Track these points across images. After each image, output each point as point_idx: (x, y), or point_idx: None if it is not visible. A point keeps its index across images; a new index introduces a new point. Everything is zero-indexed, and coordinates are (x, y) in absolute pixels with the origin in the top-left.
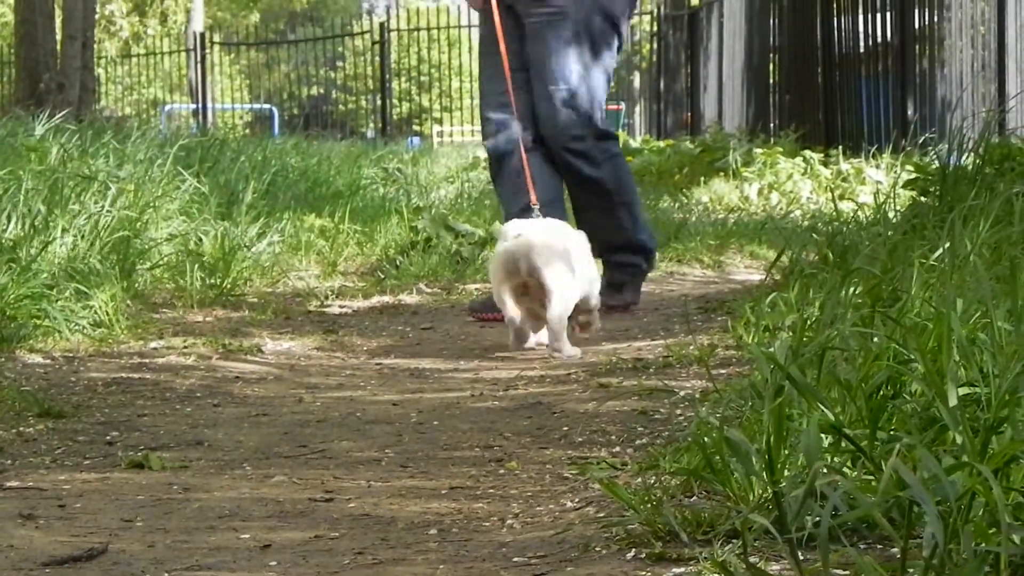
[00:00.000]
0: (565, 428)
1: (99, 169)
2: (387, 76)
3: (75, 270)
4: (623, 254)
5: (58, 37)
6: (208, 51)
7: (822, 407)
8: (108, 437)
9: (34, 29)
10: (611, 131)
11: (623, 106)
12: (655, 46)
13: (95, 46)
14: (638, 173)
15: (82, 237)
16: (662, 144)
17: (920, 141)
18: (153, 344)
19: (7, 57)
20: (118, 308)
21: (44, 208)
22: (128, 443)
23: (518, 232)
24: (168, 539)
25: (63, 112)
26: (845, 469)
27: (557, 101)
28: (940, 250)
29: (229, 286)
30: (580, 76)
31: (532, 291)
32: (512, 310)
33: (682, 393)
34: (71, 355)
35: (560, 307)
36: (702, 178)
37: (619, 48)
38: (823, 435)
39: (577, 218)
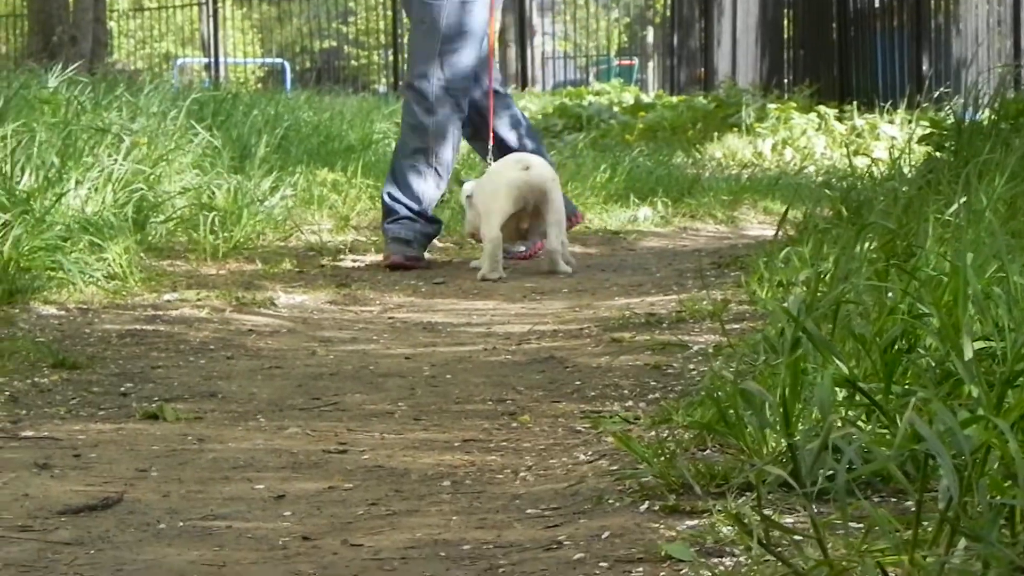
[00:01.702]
0: (578, 382)
1: (112, 122)
2: (399, 31)
3: (89, 222)
4: None
5: None
6: (220, 5)
7: (837, 361)
8: (122, 388)
9: None
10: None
11: (636, 61)
12: (668, 1)
13: None
14: (651, 128)
15: (96, 190)
16: (675, 100)
17: (935, 96)
18: (167, 296)
19: (20, 10)
20: (132, 260)
21: (58, 160)
22: (142, 394)
23: (527, 164)
24: (183, 489)
25: (76, 65)
26: (859, 423)
27: None
28: (955, 205)
29: (242, 240)
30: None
31: (523, 217)
32: (498, 233)
33: (695, 348)
34: (85, 307)
35: (563, 235)
36: (715, 134)
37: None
38: (838, 389)
39: None
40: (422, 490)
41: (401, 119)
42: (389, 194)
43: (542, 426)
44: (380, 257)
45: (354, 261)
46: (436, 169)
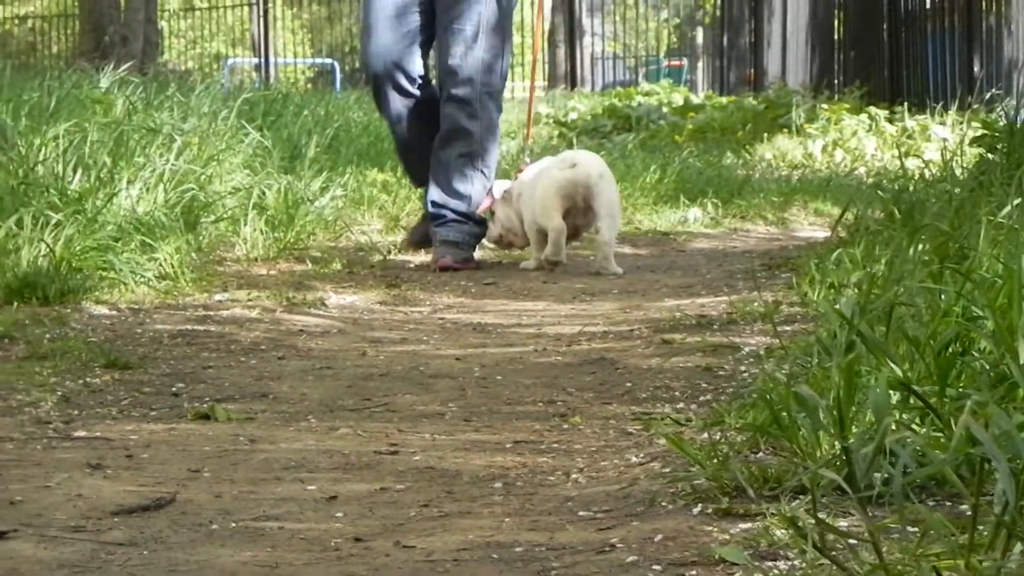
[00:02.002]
0: (628, 384)
1: (164, 122)
2: None
3: (140, 222)
4: None
5: None
6: (271, 5)
7: (891, 363)
8: (174, 388)
9: None
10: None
11: (685, 62)
12: (718, 2)
13: None
14: (700, 129)
15: (147, 190)
16: (725, 100)
17: (986, 98)
18: (218, 296)
19: (71, 10)
20: (183, 260)
21: (109, 160)
22: (194, 395)
23: (574, 162)
24: (235, 490)
25: (127, 65)
26: (914, 426)
27: None
28: (1008, 207)
29: (292, 240)
30: None
31: (577, 214)
32: (561, 222)
33: (747, 349)
34: (137, 307)
35: (615, 230)
36: (765, 134)
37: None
38: (892, 392)
39: None
40: (474, 492)
41: (443, 126)
42: (433, 202)
43: (593, 428)
44: (429, 258)
45: (404, 262)
46: (482, 171)
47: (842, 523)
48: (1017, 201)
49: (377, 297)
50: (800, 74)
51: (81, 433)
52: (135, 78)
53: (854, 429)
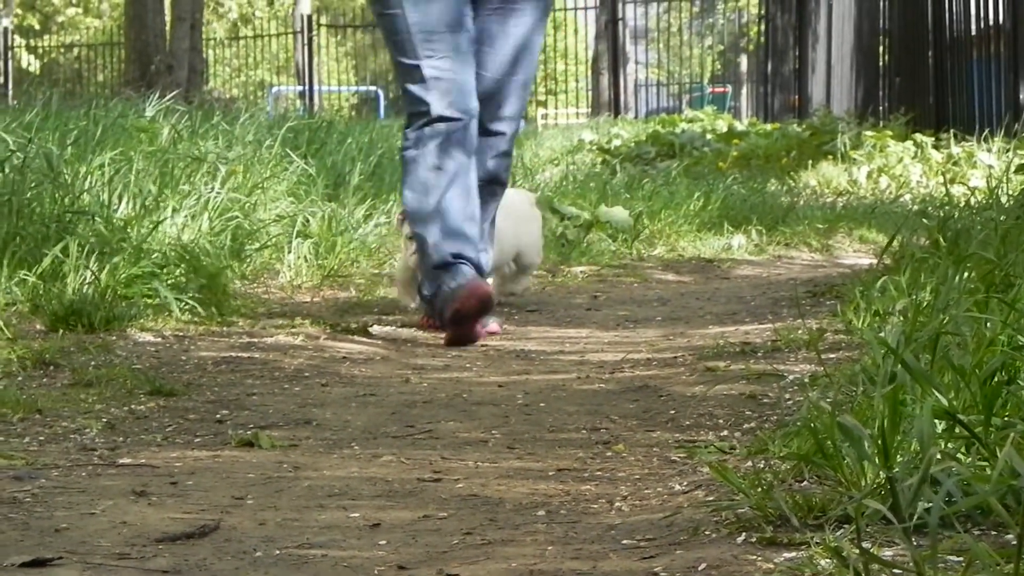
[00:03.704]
0: (672, 411)
1: (209, 151)
2: None
3: (185, 250)
4: None
5: (167, 19)
6: (315, 33)
7: (936, 393)
8: (218, 415)
9: (144, 10)
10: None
11: (729, 88)
12: (763, 28)
13: (203, 28)
14: (744, 156)
15: (192, 218)
16: (769, 127)
17: None
18: (261, 324)
19: (117, 38)
20: (227, 288)
21: (155, 188)
22: (238, 421)
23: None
24: (279, 517)
25: (172, 93)
26: (959, 455)
27: None
28: None
29: (336, 267)
30: None
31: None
32: None
33: (791, 377)
34: (181, 334)
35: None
36: (810, 161)
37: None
38: (937, 421)
39: None
40: (517, 519)
41: (489, 176)
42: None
43: (637, 455)
44: None
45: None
46: None
47: (887, 553)
48: None
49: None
50: (845, 101)
51: (126, 460)
52: (180, 106)
53: (899, 459)
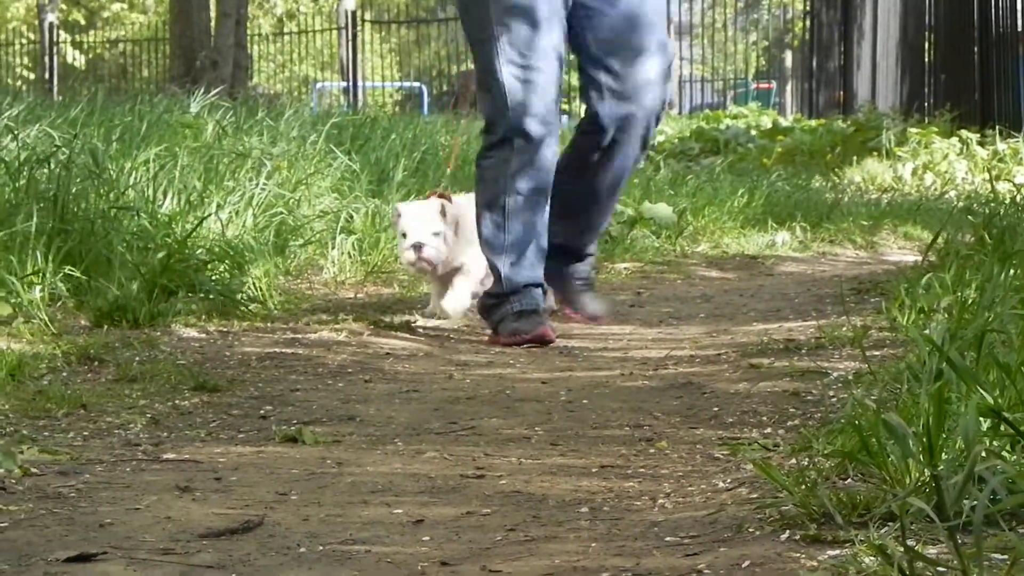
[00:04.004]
0: (715, 408)
1: (253, 146)
2: None
3: (230, 246)
4: None
5: (212, 14)
6: (359, 29)
7: (981, 390)
8: (262, 411)
9: (189, 6)
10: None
11: (774, 84)
12: (807, 24)
13: (248, 23)
14: (789, 152)
15: (236, 213)
16: (814, 123)
17: None
18: (305, 320)
19: (161, 34)
20: (271, 283)
21: (199, 184)
22: (281, 417)
23: None
24: (322, 513)
25: (217, 89)
26: (1004, 453)
27: None
28: None
29: (380, 263)
30: None
31: None
32: None
33: (835, 375)
34: (225, 330)
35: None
36: (855, 158)
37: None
38: (982, 419)
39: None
40: (560, 516)
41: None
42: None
43: (680, 452)
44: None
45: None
46: None
47: (931, 551)
48: None
49: (463, 321)
50: (890, 97)
51: (170, 455)
52: (225, 102)
53: (944, 456)
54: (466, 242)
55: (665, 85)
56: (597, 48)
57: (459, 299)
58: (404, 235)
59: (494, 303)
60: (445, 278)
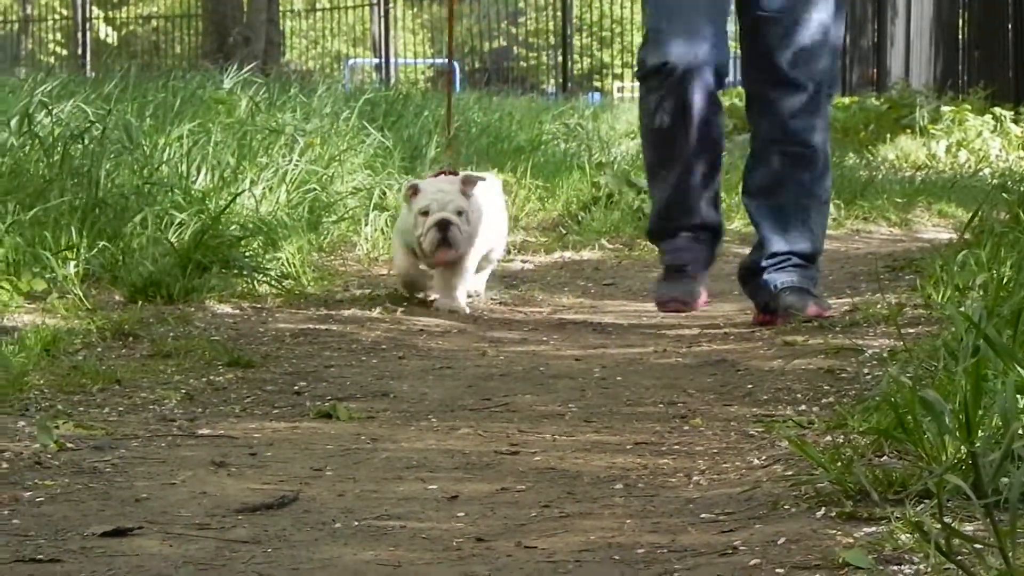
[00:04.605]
0: (750, 385)
1: (286, 123)
2: (569, 31)
3: (263, 222)
4: None
5: None
6: (391, 5)
7: (1019, 368)
8: (296, 387)
9: None
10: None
11: None
12: None
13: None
14: None
15: (270, 190)
16: (847, 100)
17: None
18: (339, 296)
19: (194, 10)
20: (305, 260)
21: (233, 161)
22: (316, 393)
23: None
24: (357, 488)
25: (250, 66)
26: None
27: None
28: None
29: None
30: None
31: None
32: None
33: (869, 352)
34: (259, 306)
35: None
36: (888, 135)
37: None
38: (1020, 396)
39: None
40: (595, 493)
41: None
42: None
43: (714, 430)
44: (550, 258)
45: (523, 262)
46: None
47: (968, 528)
48: None
49: (497, 297)
50: (923, 74)
51: (205, 431)
52: (258, 79)
53: (980, 434)
54: (474, 232)
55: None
56: None
57: (456, 299)
58: (425, 213)
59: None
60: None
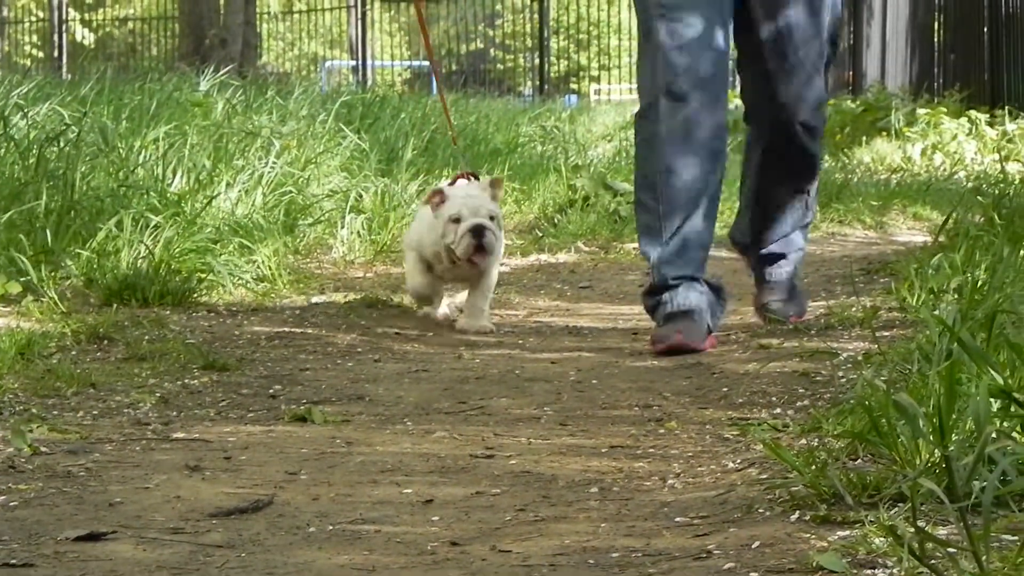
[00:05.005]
0: (725, 389)
1: (262, 125)
2: (545, 34)
3: (239, 225)
4: None
5: None
6: (368, 8)
7: (992, 371)
8: (271, 390)
9: None
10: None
11: None
12: None
13: (257, 1)
14: None
15: (246, 192)
16: None
17: None
18: (314, 299)
19: (171, 12)
20: (280, 263)
21: (209, 163)
22: (291, 396)
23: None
24: (332, 492)
25: (227, 68)
26: (1015, 434)
27: None
28: None
29: (389, 242)
30: None
31: None
32: None
33: (844, 355)
34: (234, 309)
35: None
36: (864, 138)
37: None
38: (993, 400)
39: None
40: (570, 496)
41: (790, 167)
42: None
43: (689, 433)
44: (527, 261)
45: (500, 265)
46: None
47: (941, 532)
48: None
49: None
50: (899, 77)
51: (180, 434)
52: (234, 81)
53: (954, 437)
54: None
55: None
56: None
57: (484, 319)
58: (456, 220)
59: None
60: (461, 282)
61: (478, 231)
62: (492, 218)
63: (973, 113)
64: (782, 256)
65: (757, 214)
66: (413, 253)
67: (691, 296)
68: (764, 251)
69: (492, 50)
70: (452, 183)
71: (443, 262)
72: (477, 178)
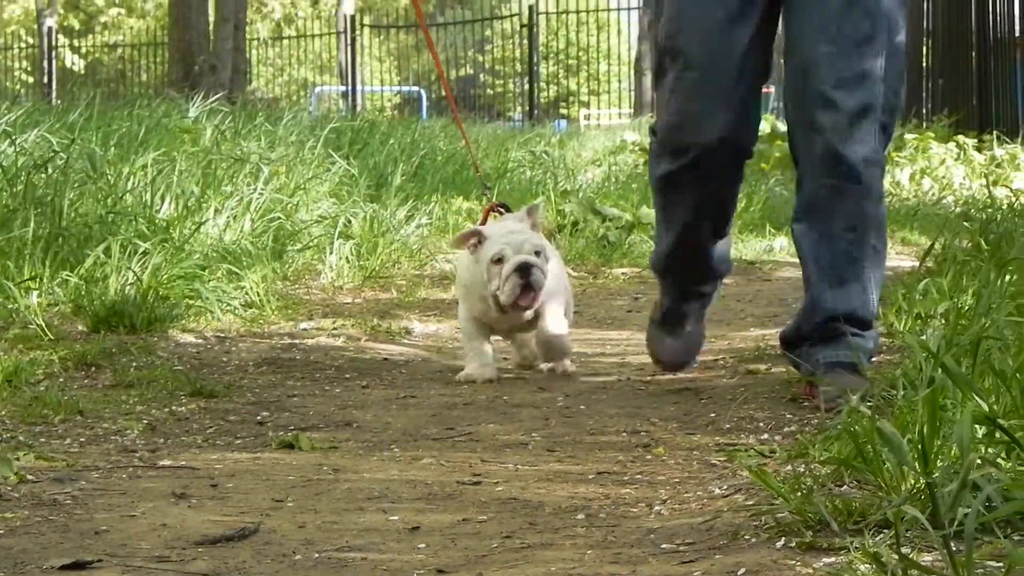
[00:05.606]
0: (712, 414)
1: (251, 151)
2: (535, 59)
3: (227, 251)
4: None
5: (211, 19)
6: (358, 33)
7: (976, 397)
8: (259, 417)
9: (188, 11)
10: None
11: (773, 89)
12: None
13: (247, 28)
14: (787, 157)
15: (234, 218)
16: None
17: None
18: (303, 325)
19: (160, 38)
20: (269, 289)
21: (197, 189)
22: (278, 423)
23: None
24: (318, 520)
25: (216, 94)
26: (999, 461)
27: None
28: None
29: (377, 268)
30: None
31: None
32: None
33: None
34: (222, 335)
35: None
36: None
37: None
38: (977, 426)
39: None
40: (556, 523)
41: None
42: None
43: (677, 459)
44: None
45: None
46: None
47: (926, 558)
48: None
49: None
50: None
51: (167, 462)
52: (224, 107)
53: (939, 464)
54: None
55: None
56: None
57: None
58: (499, 260)
59: None
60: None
61: (524, 270)
62: (537, 253)
63: (961, 138)
64: None
65: None
66: (466, 305)
67: None
68: None
69: (482, 75)
70: (483, 220)
71: (492, 311)
72: (509, 210)
